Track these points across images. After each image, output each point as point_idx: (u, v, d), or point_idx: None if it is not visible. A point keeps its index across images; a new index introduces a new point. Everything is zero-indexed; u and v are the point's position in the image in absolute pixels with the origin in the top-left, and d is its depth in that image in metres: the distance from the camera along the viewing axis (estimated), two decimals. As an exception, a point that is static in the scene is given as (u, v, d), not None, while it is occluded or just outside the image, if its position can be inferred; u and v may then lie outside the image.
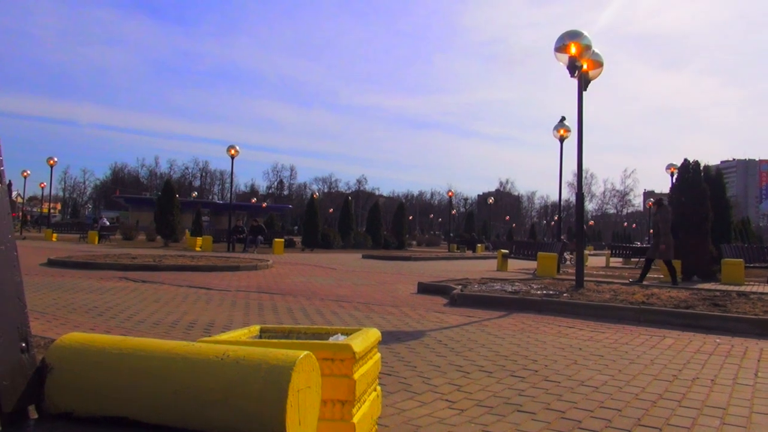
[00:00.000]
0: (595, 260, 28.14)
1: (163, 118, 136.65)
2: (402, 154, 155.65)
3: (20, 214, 56.53)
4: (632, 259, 24.66)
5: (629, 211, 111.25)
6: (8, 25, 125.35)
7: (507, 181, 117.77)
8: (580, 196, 9.60)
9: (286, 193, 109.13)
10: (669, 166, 22.78)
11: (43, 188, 51.01)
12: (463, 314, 6.78)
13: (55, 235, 31.67)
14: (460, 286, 8.91)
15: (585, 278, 9.45)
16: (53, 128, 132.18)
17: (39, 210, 73.38)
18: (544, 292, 8.34)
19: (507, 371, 3.90)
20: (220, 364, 1.00)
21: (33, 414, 1.06)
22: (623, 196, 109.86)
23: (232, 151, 26.12)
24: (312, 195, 41.19)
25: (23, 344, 1.04)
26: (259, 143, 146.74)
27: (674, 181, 17.24)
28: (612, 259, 26.17)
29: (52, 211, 63.41)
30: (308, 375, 1.03)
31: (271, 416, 0.94)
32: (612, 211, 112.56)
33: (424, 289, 9.43)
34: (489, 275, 12.96)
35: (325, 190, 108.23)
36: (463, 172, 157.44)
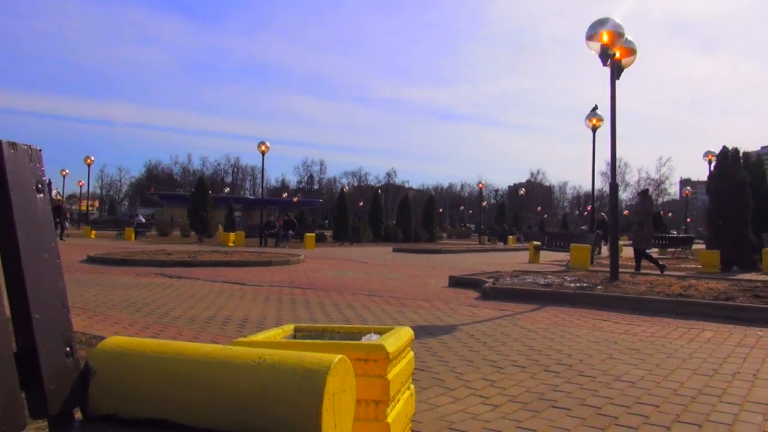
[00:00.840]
0: (630, 251, 27.63)
1: (195, 116, 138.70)
2: (431, 146, 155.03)
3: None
4: (668, 249, 24.11)
5: (665, 200, 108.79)
6: (46, 29, 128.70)
7: (538, 172, 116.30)
8: (613, 187, 9.44)
9: (316, 187, 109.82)
10: (707, 154, 22.21)
11: (81, 186, 52.36)
12: (495, 308, 6.75)
13: (93, 232, 32.53)
14: (491, 280, 8.86)
15: (620, 270, 9.29)
16: (90, 128, 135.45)
17: (78, 208, 75.41)
18: (578, 284, 8.24)
19: (541, 366, 3.87)
20: (257, 368, 1.02)
21: (78, 416, 1.10)
22: (658, 184, 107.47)
23: (263, 147, 26.38)
24: (342, 189, 41.41)
25: (68, 349, 1.07)
26: (289, 138, 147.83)
27: (712, 168, 16.81)
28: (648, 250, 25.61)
29: (90, 208, 65.12)
30: (343, 378, 1.04)
31: (307, 420, 0.95)
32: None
33: (456, 282, 9.40)
34: (521, 268, 12.85)
35: (355, 184, 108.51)
36: (493, 164, 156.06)
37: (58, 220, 25.69)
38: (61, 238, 23.65)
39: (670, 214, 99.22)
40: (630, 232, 13.33)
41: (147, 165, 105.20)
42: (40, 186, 1.09)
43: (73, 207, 79.63)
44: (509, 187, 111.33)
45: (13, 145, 1.05)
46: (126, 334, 4.79)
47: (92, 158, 38.00)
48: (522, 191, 68.75)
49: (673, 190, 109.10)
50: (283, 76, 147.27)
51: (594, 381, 3.49)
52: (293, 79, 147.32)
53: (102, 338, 4.42)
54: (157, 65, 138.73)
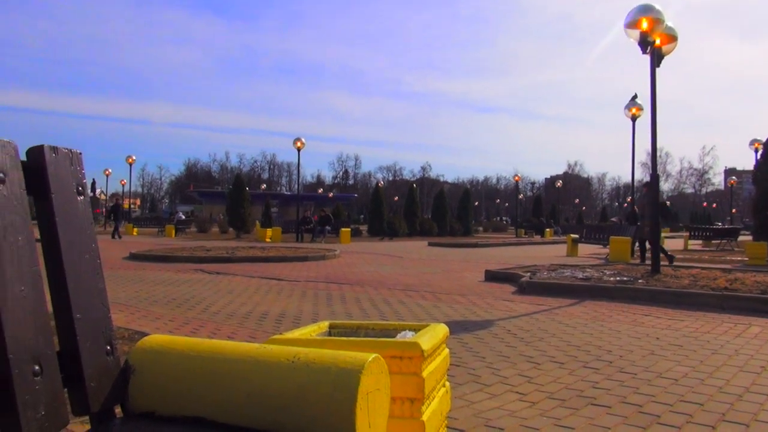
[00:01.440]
0: (672, 243, 26.92)
1: (231, 114, 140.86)
2: (466, 139, 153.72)
3: (103, 210, 59.79)
4: (713, 241, 23.39)
5: (708, 190, 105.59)
6: (89, 32, 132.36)
7: (576, 163, 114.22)
8: (654, 178, 9.19)
9: (351, 182, 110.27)
10: (753, 142, 21.41)
11: (123, 185, 53.77)
12: (532, 302, 6.67)
13: (135, 229, 33.39)
14: (528, 274, 8.75)
15: (661, 263, 9.06)
16: (131, 128, 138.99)
17: (121, 206, 77.46)
18: (618, 278, 8.07)
19: (579, 362, 3.81)
20: (292, 367, 1.02)
21: (119, 413, 1.12)
22: (702, 174, 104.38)
23: (299, 144, 26.62)
24: (377, 183, 41.46)
25: (108, 347, 1.10)
26: (323, 134, 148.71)
27: (758, 157, 16.21)
28: (691, 242, 24.92)
29: (132, 206, 66.81)
30: (377, 377, 1.03)
31: (341, 419, 0.95)
32: (690, 190, 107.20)
33: (492, 276, 9.32)
34: (558, 261, 12.66)
35: (390, 178, 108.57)
36: (530, 156, 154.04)
37: (114, 219, 26.03)
38: (112, 237, 24.04)
39: (714, 205, 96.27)
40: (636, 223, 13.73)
41: (186, 163, 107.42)
42: (80, 188, 1.12)
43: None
44: (546, 179, 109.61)
45: (54, 149, 1.08)
46: (167, 329, 4.90)
47: (133, 157, 38.95)
48: (559, 183, 67.61)
49: (718, 180, 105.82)
50: (316, 72, 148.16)
51: (635, 378, 3.42)
52: (326, 75, 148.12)
53: (144, 334, 4.54)
54: (194, 65, 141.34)
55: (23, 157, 1.03)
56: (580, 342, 4.46)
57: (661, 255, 12.18)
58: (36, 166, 1.05)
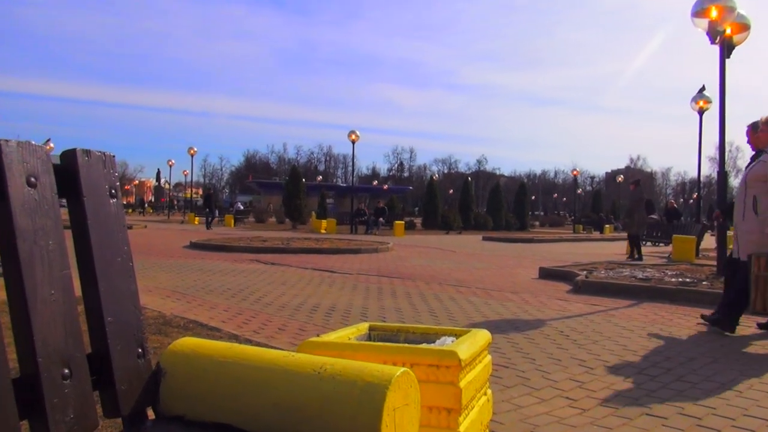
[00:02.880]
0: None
1: (289, 106, 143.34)
2: (523, 132, 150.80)
3: (167, 199, 62.18)
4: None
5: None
6: (151, 28, 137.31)
7: (638, 157, 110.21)
8: (722, 173, 8.72)
9: (406, 174, 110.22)
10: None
11: (186, 175, 55.68)
12: (587, 302, 6.46)
13: (197, 218, 34.46)
14: (584, 272, 8.49)
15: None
16: (192, 120, 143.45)
17: (183, 195, 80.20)
18: (680, 279, 7.72)
19: (635, 368, 3.65)
20: (317, 378, 1.00)
21: (152, 415, 1.13)
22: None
23: (353, 136, 26.79)
24: (431, 176, 41.26)
25: (139, 350, 1.10)
26: (379, 126, 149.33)
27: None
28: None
29: (194, 196, 69.04)
30: (406, 392, 0.99)
31: (365, 436, 0.92)
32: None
33: (546, 274, 9.10)
34: (617, 259, 12.24)
35: (445, 171, 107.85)
36: (590, 149, 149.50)
37: (208, 209, 26.35)
38: (208, 227, 24.54)
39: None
40: (621, 219, 14.53)
41: (245, 154, 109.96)
42: (113, 191, 1.13)
43: (180, 195, 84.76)
44: (606, 173, 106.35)
45: (87, 152, 1.09)
46: (220, 319, 5.01)
47: (195, 149, 40.20)
48: (620, 178, 65.28)
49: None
50: (372, 65, 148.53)
51: (695, 387, 3.24)
52: (383, 68, 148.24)
53: (199, 323, 4.65)
54: (253, 58, 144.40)
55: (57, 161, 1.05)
56: (637, 346, 4.27)
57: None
58: (69, 169, 1.06)
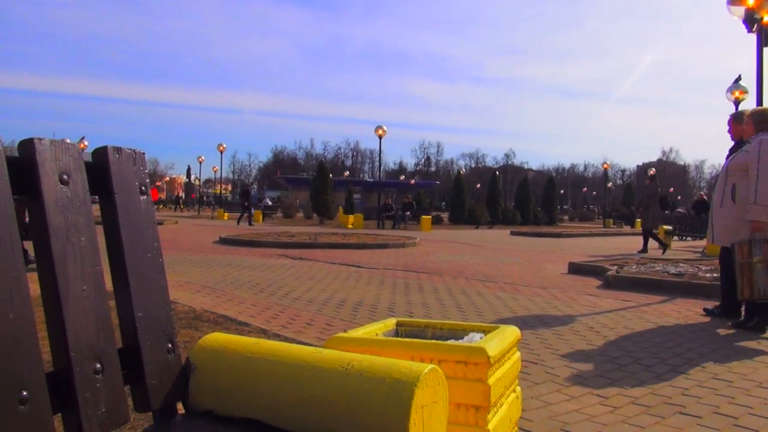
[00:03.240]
0: None
1: (316, 102, 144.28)
2: (552, 125, 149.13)
3: (197, 195, 63.16)
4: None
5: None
6: (182, 26, 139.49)
7: (671, 150, 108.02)
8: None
9: (433, 169, 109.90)
10: None
11: (215, 172, 56.39)
12: (618, 298, 6.35)
13: (226, 214, 34.93)
14: (615, 267, 8.35)
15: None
16: (222, 117, 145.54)
17: (213, 191, 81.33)
18: (715, 274, 7.53)
19: (668, 365, 3.57)
20: (345, 375, 0.99)
21: (181, 410, 1.14)
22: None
23: (380, 132, 26.80)
24: (458, 171, 41.03)
25: (169, 345, 1.11)
26: (406, 121, 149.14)
27: None
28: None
29: (223, 191, 69.96)
30: (434, 389, 0.98)
31: (393, 433, 0.91)
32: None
33: (576, 269, 8.97)
34: (649, 254, 12.01)
35: (472, 166, 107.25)
36: (620, 142, 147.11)
37: (246, 204, 26.54)
38: (250, 223, 24.79)
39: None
40: (638, 213, 14.96)
41: (273, 150, 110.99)
42: (143, 188, 1.14)
43: (209, 191, 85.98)
44: (638, 166, 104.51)
45: (117, 149, 1.11)
46: (249, 314, 5.07)
47: (224, 145, 40.71)
48: (652, 171, 64.16)
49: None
50: (399, 59, 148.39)
51: (731, 386, 3.16)
52: (410, 63, 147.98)
53: (228, 318, 4.71)
54: (280, 55, 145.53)
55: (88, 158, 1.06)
56: (670, 343, 4.19)
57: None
58: (100, 167, 1.08)
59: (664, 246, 13.41)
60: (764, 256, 4.54)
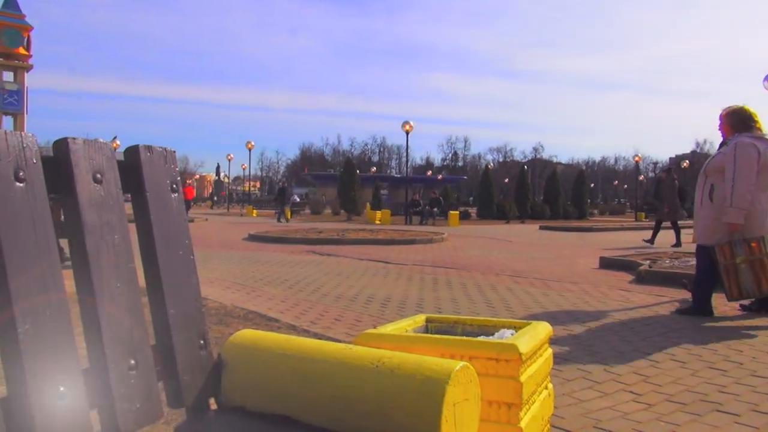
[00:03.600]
0: None
1: (343, 98, 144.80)
2: (582, 118, 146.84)
3: (227, 192, 64.00)
4: None
5: None
6: (212, 24, 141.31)
7: (705, 141, 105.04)
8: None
9: (460, 164, 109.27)
10: None
11: (244, 169, 57.04)
12: (651, 293, 6.23)
13: (255, 211, 35.35)
14: (648, 261, 8.19)
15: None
16: (250, 114, 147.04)
17: (242, 188, 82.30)
18: (752, 269, 7.33)
19: (704, 362, 3.49)
20: (375, 372, 0.99)
21: (214, 405, 1.15)
22: None
23: (407, 127, 26.73)
24: (486, 165, 40.72)
25: (201, 342, 1.13)
26: (433, 116, 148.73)
27: None
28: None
29: (252, 189, 70.74)
30: (465, 387, 0.97)
31: (425, 431, 0.91)
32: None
33: (607, 263, 8.83)
34: (683, 248, 11.75)
35: (500, 160, 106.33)
36: (652, 134, 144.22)
37: (281, 202, 26.79)
38: (278, 220, 24.96)
39: None
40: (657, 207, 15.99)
41: (301, 147, 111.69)
42: (174, 186, 1.15)
43: (239, 188, 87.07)
44: (670, 159, 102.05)
45: (149, 148, 1.12)
46: (278, 309, 5.11)
47: (252, 143, 41.16)
48: (685, 163, 62.67)
49: None
50: (426, 54, 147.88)
51: (770, 383, 3.08)
52: (436, 57, 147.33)
53: (258, 314, 4.76)
54: (308, 52, 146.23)
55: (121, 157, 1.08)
56: (705, 339, 4.09)
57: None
58: (132, 165, 1.09)
59: (652, 241, 13.68)
60: (746, 256, 4.64)
